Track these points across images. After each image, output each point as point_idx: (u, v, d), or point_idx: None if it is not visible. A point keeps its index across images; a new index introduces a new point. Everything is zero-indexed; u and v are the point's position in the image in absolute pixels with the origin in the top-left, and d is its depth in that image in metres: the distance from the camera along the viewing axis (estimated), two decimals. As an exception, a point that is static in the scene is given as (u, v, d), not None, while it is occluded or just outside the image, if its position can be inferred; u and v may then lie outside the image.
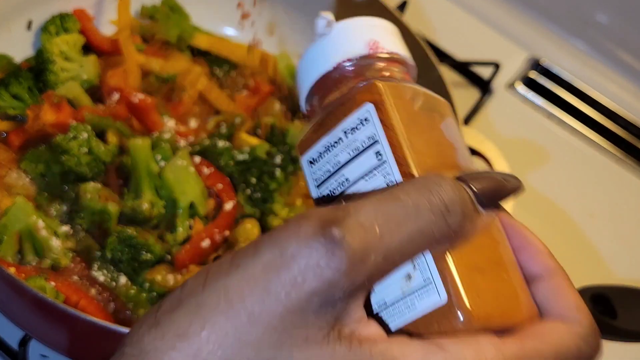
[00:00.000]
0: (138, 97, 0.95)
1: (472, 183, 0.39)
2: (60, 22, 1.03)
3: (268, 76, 1.14)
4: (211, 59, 1.13)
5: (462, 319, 0.37)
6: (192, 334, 0.33)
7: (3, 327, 0.95)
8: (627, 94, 1.42)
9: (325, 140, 0.45)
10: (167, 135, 0.96)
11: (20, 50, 1.04)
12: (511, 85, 1.38)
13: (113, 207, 0.89)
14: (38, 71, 0.99)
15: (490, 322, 0.40)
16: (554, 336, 0.39)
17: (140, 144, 0.90)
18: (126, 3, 1.05)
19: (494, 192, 0.39)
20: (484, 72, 1.35)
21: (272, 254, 0.33)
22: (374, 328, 0.35)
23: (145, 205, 0.89)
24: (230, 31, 1.18)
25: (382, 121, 0.42)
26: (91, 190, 0.89)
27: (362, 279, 0.34)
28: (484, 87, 1.34)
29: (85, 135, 0.91)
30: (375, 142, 0.42)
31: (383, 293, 0.38)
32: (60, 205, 0.91)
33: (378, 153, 0.42)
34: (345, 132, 0.44)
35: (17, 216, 0.86)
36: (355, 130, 0.44)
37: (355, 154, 0.43)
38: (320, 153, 0.45)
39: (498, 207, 0.42)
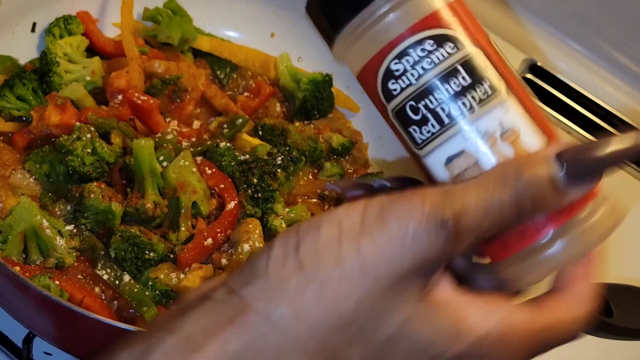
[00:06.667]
0: (141, 98, 0.96)
1: (571, 163, 0.47)
2: (64, 25, 1.04)
3: (269, 78, 1.15)
4: (213, 61, 1.13)
5: None
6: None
7: (7, 325, 0.95)
8: (623, 94, 1.42)
9: None
10: (169, 136, 0.96)
11: (25, 52, 1.04)
12: (508, 87, 1.39)
13: (117, 207, 0.89)
14: (42, 73, 1.00)
15: None
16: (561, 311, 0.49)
17: (143, 145, 0.91)
18: (129, 5, 1.05)
19: (588, 167, 0.48)
20: (482, 74, 1.36)
21: (398, 227, 0.42)
22: (449, 292, 0.45)
23: (149, 205, 0.90)
24: (231, 33, 1.18)
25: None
26: (95, 190, 0.89)
27: (456, 256, 0.45)
28: (482, 88, 1.35)
29: (88, 136, 0.91)
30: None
31: None
32: (64, 205, 0.91)
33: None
34: None
35: (21, 216, 0.86)
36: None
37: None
38: None
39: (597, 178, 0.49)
